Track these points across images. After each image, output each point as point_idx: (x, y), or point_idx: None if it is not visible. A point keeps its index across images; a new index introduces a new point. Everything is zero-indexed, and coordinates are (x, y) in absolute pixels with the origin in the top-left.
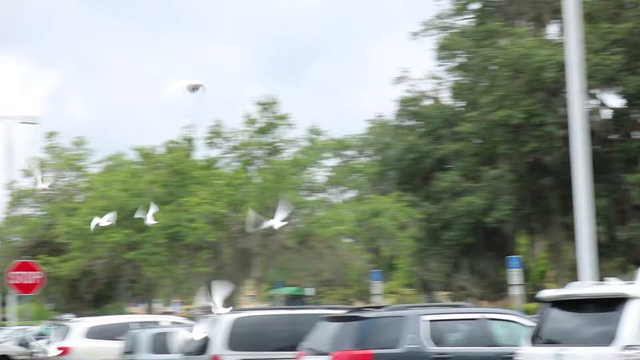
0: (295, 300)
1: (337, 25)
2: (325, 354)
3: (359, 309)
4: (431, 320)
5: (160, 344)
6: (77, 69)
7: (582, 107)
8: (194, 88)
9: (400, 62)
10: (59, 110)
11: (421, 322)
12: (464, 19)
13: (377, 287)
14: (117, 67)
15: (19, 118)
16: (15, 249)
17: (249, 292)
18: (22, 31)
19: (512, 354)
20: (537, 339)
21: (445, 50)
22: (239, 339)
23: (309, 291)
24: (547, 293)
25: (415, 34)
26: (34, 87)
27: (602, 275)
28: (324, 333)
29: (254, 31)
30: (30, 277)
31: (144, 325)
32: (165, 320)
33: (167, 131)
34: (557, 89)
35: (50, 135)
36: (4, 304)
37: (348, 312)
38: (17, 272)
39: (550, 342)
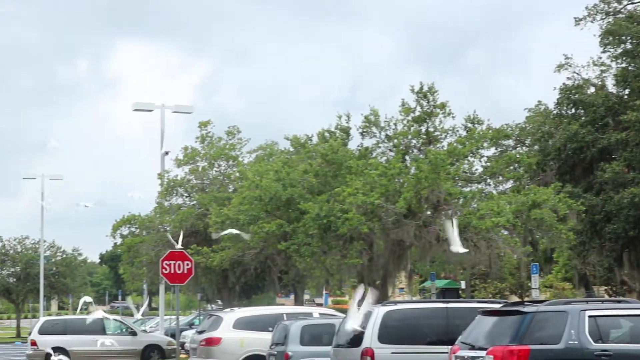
0: (449, 293)
1: (496, 11)
2: (481, 348)
3: (518, 303)
4: (593, 316)
5: (310, 336)
6: (229, 58)
7: None
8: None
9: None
10: (212, 99)
11: (583, 317)
12: (631, 3)
13: (535, 280)
14: (271, 56)
15: (172, 107)
16: (166, 238)
17: (400, 285)
18: (175, 20)
19: None
20: None
21: (610, 36)
22: (391, 332)
23: (462, 284)
24: None
25: (579, 19)
26: (186, 76)
27: None
28: (481, 327)
29: (410, 18)
30: (181, 266)
31: (294, 316)
32: (315, 311)
33: (321, 120)
34: None
35: (203, 124)
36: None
37: (505, 306)
38: (168, 262)
39: None
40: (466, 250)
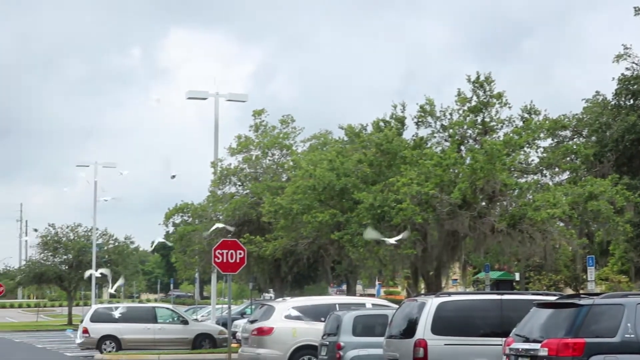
0: (502, 285)
1: (553, 0)
2: (536, 341)
3: (574, 296)
4: None
5: (362, 327)
6: (285, 46)
7: None
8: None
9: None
10: (266, 88)
11: None
12: None
13: (591, 273)
14: (326, 44)
15: (226, 95)
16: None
17: (454, 276)
18: (229, 8)
19: None
20: None
21: None
22: (444, 324)
23: (516, 276)
24: None
25: (638, 8)
26: (241, 64)
27: None
28: (535, 320)
29: (465, 7)
30: (233, 256)
31: (346, 307)
32: (367, 302)
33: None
34: None
35: (257, 113)
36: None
37: (561, 298)
38: (221, 251)
39: None
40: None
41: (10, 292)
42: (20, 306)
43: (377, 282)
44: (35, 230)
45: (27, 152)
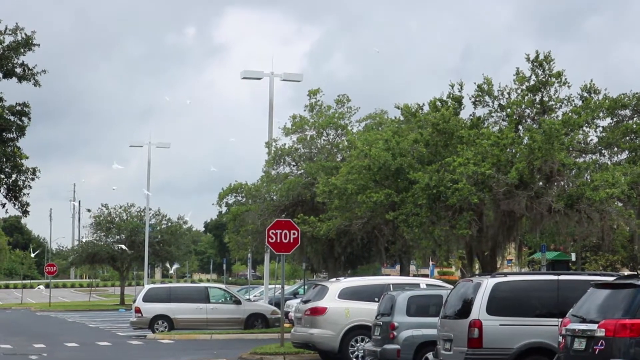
0: (559, 265)
1: None
2: (593, 321)
3: (632, 277)
4: None
5: (416, 307)
6: (341, 25)
7: None
8: None
9: None
10: (321, 67)
11: None
12: None
13: None
14: (383, 23)
15: (281, 75)
16: (273, 207)
17: (509, 256)
18: None
19: None
20: None
21: None
22: (499, 304)
23: (573, 256)
24: None
25: None
26: (296, 43)
27: None
28: (593, 300)
29: None
30: (287, 236)
31: (400, 287)
32: (421, 282)
33: (432, 89)
34: None
35: (313, 93)
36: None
37: (619, 279)
38: (275, 231)
39: None
40: None
41: (63, 272)
42: (72, 286)
43: (430, 263)
44: (89, 210)
45: (82, 132)
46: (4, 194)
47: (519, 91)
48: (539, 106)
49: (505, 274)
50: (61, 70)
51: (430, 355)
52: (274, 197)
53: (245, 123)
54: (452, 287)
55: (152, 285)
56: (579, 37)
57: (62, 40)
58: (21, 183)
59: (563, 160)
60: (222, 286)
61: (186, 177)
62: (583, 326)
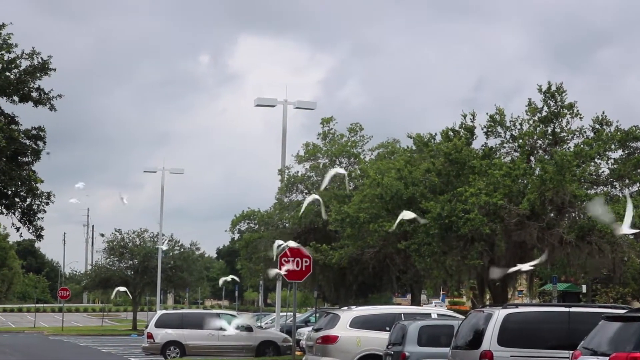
0: (569, 297)
1: (631, 12)
2: (604, 354)
3: None
4: None
5: (428, 337)
6: (355, 54)
7: None
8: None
9: None
10: (335, 95)
11: None
12: None
13: None
14: (395, 53)
15: (295, 103)
16: (286, 234)
17: (520, 287)
18: (299, 16)
19: None
20: None
21: None
22: (511, 335)
23: (583, 288)
24: None
25: None
26: (309, 71)
27: None
28: (604, 333)
29: (540, 15)
30: (299, 263)
31: (411, 316)
32: (432, 312)
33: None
34: None
35: (326, 121)
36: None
37: (630, 312)
38: (287, 258)
39: None
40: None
41: (75, 297)
42: (85, 310)
43: (441, 292)
44: (102, 235)
45: (96, 156)
46: (18, 217)
47: (531, 122)
48: (550, 137)
49: (517, 305)
50: (76, 95)
51: None
52: (287, 225)
53: (258, 150)
54: (463, 317)
55: (164, 311)
56: (591, 69)
57: (78, 64)
58: (35, 207)
59: (575, 191)
60: (234, 313)
61: (199, 203)
62: (594, 359)
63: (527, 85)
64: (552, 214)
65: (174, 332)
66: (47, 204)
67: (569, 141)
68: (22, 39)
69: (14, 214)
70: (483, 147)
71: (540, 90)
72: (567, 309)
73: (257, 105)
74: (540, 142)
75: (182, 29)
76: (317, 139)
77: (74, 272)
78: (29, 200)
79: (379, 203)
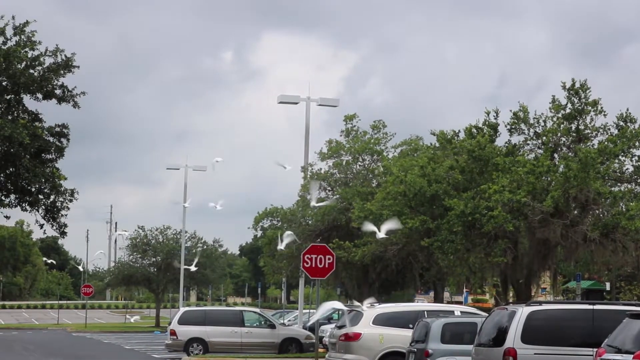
0: (593, 294)
1: None
2: (628, 352)
3: None
4: None
5: (451, 334)
6: (378, 51)
7: None
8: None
9: None
10: (358, 92)
11: None
12: None
13: None
14: (418, 50)
15: (318, 100)
16: (309, 231)
17: (543, 285)
18: (322, 13)
19: None
20: None
21: None
22: (534, 333)
23: (607, 286)
24: None
25: None
26: (333, 68)
27: None
28: (628, 331)
29: (562, 12)
30: (322, 260)
31: (435, 314)
32: (455, 309)
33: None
34: None
35: (349, 118)
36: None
37: None
38: (310, 256)
39: None
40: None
41: (98, 293)
42: (108, 307)
43: (464, 290)
44: (125, 232)
45: (118, 153)
46: (42, 214)
47: (554, 119)
48: (574, 134)
49: (540, 303)
50: (98, 92)
51: None
52: (310, 222)
53: (280, 147)
54: (486, 314)
55: (187, 308)
56: (615, 66)
57: (100, 62)
58: (59, 204)
59: (599, 189)
60: (257, 310)
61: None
62: (618, 357)
63: (549, 82)
64: (575, 211)
65: (197, 329)
66: (71, 200)
67: (593, 138)
68: (46, 37)
69: (38, 211)
70: (506, 144)
71: (564, 87)
72: (591, 307)
73: (280, 102)
74: (564, 139)
75: (204, 26)
76: (340, 136)
77: (97, 269)
78: (52, 197)
79: (402, 200)
